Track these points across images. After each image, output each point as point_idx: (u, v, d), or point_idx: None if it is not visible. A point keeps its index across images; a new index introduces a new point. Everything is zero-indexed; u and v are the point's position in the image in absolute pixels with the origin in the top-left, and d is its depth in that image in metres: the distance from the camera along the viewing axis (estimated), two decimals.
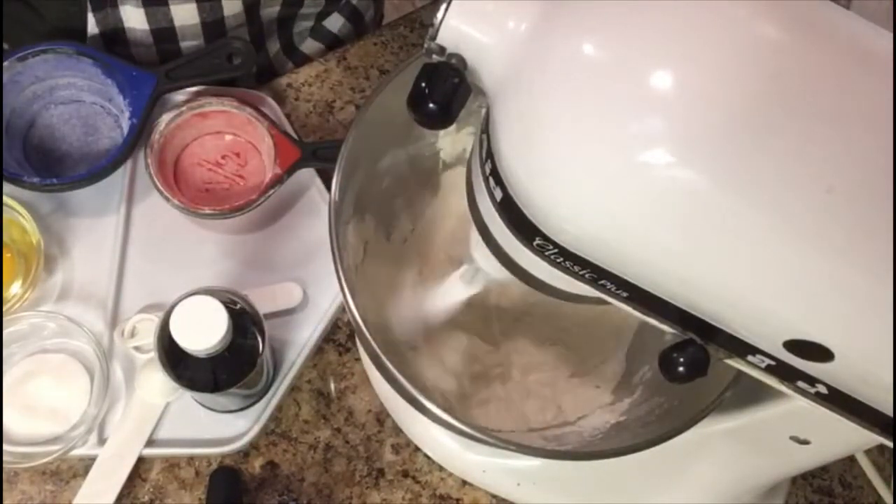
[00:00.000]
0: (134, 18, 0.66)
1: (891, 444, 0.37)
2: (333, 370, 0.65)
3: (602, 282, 0.35)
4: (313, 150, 0.65)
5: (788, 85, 0.29)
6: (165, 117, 0.64)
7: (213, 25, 0.69)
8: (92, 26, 0.67)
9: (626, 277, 0.34)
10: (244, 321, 0.53)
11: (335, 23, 0.81)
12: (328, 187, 0.60)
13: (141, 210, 0.66)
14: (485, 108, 0.34)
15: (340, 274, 0.46)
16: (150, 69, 0.65)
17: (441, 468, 0.63)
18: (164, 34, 0.68)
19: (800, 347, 0.32)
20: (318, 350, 0.65)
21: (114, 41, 0.68)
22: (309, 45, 0.81)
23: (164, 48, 0.70)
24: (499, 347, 0.61)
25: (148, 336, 0.61)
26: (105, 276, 0.64)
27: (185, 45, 0.70)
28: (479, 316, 0.60)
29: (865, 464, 0.64)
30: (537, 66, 0.31)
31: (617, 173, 0.29)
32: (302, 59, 0.81)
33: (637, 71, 0.29)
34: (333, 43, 0.81)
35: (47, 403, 0.61)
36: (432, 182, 0.61)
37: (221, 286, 0.55)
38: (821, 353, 0.31)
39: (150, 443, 0.60)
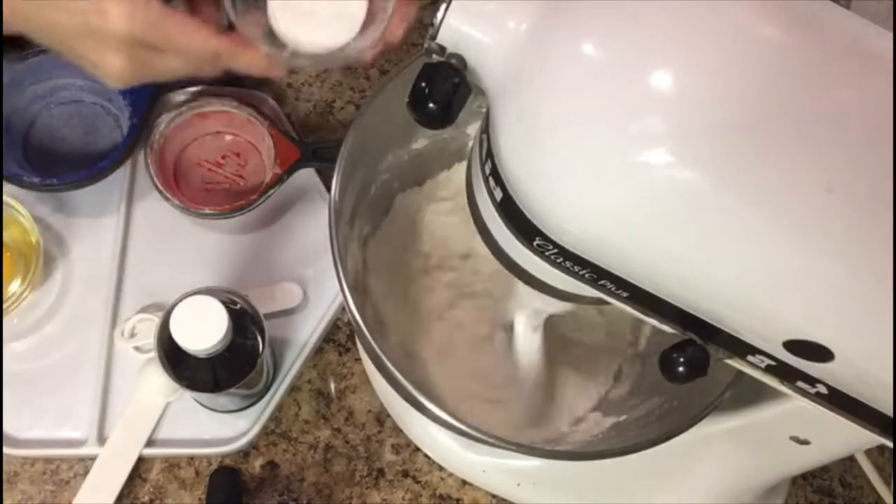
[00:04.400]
0: None
1: (891, 444, 0.37)
2: (333, 370, 0.65)
3: (602, 282, 0.35)
4: (313, 150, 0.65)
5: (788, 85, 0.29)
6: (165, 117, 0.64)
7: None
8: None
9: (626, 277, 0.34)
10: (244, 321, 0.53)
11: None
12: (328, 187, 0.60)
13: (141, 210, 0.66)
14: (485, 108, 0.34)
15: (340, 274, 0.46)
16: None
17: (441, 468, 0.63)
18: None
19: (800, 347, 0.32)
20: (318, 350, 0.65)
21: None
22: None
23: None
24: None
25: (148, 336, 0.61)
26: (105, 276, 0.64)
27: None
28: None
29: (865, 464, 0.64)
30: (537, 66, 0.31)
31: (617, 173, 0.29)
32: None
33: (637, 71, 0.29)
34: None
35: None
36: None
37: (221, 286, 0.55)
38: (821, 353, 0.31)
39: (150, 443, 0.60)
